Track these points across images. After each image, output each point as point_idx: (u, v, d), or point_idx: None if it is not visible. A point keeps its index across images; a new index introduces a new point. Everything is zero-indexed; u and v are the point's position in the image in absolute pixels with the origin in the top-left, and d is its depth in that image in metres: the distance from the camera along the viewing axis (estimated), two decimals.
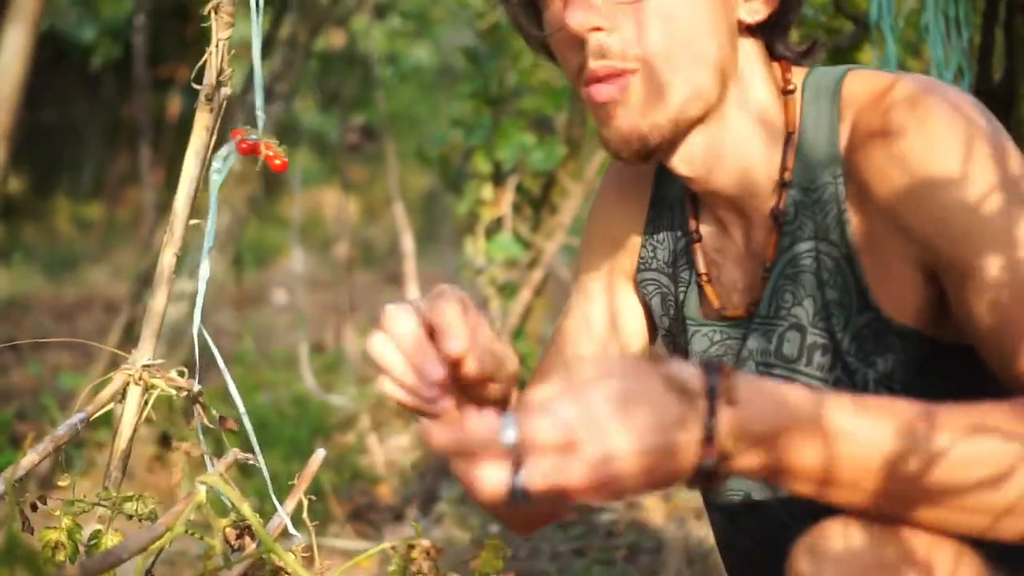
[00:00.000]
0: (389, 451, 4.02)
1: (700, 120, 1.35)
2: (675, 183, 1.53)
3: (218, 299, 5.88)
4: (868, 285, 1.32)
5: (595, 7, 1.29)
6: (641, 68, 1.30)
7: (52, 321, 6.41)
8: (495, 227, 3.98)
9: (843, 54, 2.79)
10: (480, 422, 0.96)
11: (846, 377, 1.34)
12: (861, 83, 1.35)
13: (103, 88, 11.28)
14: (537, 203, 4.02)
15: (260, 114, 1.36)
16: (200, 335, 1.44)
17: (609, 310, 1.60)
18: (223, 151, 1.36)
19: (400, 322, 1.20)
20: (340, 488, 3.63)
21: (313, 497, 1.35)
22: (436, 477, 3.62)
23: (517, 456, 0.96)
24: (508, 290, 3.93)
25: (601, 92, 1.32)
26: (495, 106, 3.77)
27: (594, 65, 1.31)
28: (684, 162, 1.39)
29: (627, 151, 1.34)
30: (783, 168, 1.37)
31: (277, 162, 1.43)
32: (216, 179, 1.34)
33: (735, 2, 1.35)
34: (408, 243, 4.92)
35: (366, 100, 9.16)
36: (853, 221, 1.32)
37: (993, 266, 1.20)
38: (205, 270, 1.40)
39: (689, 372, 1.02)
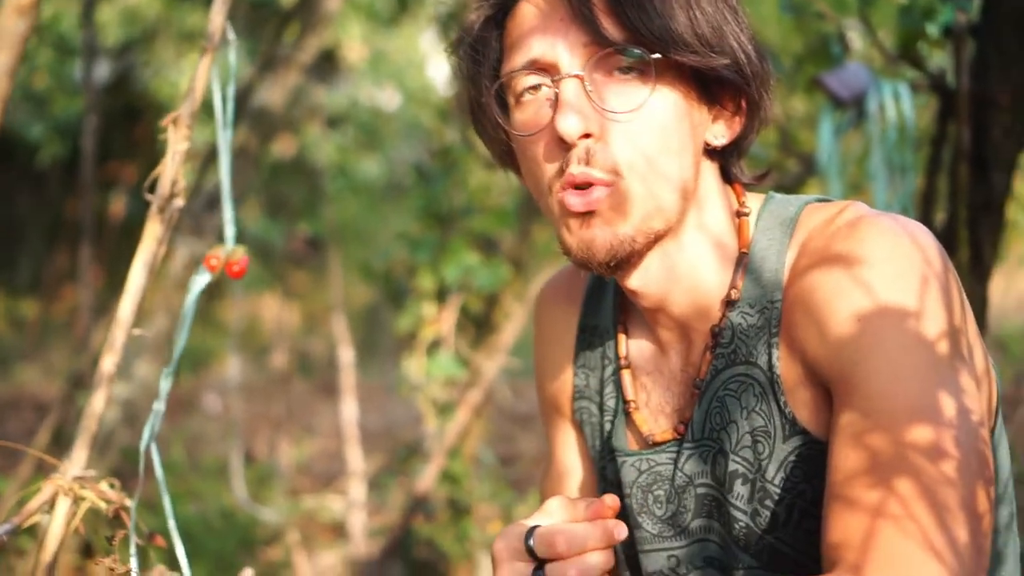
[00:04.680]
0: (317, 568, 3.93)
1: (661, 237, 1.36)
2: (603, 312, 1.53)
3: (149, 404, 5.77)
4: (793, 411, 1.30)
5: (587, 114, 1.30)
6: (621, 179, 1.30)
7: None
8: (436, 345, 3.96)
9: (788, 192, 2.84)
10: None
11: (766, 508, 1.32)
12: (816, 213, 1.36)
13: (47, 185, 11.22)
14: (479, 323, 4.02)
15: (230, 227, 1.36)
16: (136, 445, 1.41)
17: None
18: (198, 280, 1.37)
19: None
20: None
21: None
22: None
23: None
24: (446, 409, 3.90)
25: (580, 202, 1.31)
26: (442, 224, 3.79)
27: (576, 170, 1.30)
28: (640, 278, 1.38)
29: (595, 261, 1.33)
30: (731, 287, 1.37)
31: (235, 268, 1.42)
32: (190, 304, 1.34)
33: (704, 125, 1.37)
34: (347, 355, 4.88)
35: (313, 209, 9.18)
36: (781, 347, 1.32)
37: (865, 414, 1.20)
38: (164, 389, 1.38)
39: None
